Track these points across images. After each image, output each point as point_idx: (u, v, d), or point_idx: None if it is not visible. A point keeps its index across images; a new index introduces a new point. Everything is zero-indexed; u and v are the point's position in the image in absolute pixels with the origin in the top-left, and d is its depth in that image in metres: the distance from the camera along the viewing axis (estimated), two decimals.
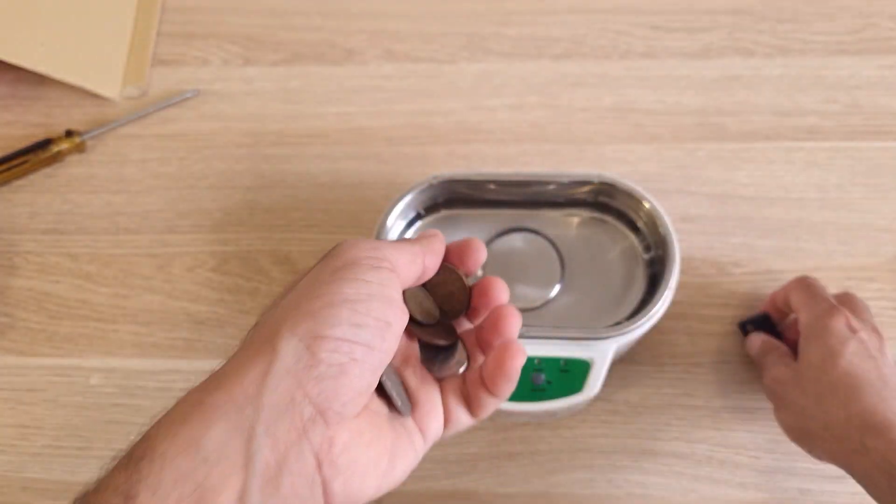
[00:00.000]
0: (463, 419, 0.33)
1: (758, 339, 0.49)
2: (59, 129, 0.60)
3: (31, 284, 0.56)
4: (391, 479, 0.30)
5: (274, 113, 0.62)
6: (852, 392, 0.41)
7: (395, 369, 0.33)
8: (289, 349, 0.27)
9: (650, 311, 0.44)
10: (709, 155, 0.58)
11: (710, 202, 0.56)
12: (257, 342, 0.28)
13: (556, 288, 0.48)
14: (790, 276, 0.49)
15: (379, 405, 0.31)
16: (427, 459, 0.49)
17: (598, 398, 0.49)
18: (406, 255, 0.31)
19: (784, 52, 0.61)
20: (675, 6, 0.64)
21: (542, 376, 0.44)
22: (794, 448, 0.49)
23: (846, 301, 0.46)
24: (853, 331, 0.43)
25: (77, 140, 0.60)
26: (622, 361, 0.51)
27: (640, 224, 0.49)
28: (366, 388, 0.28)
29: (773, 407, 0.47)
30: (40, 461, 0.51)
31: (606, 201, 0.50)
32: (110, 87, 0.62)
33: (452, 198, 0.51)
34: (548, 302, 0.48)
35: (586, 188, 0.50)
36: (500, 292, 0.34)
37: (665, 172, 0.57)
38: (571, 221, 0.51)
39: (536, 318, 0.48)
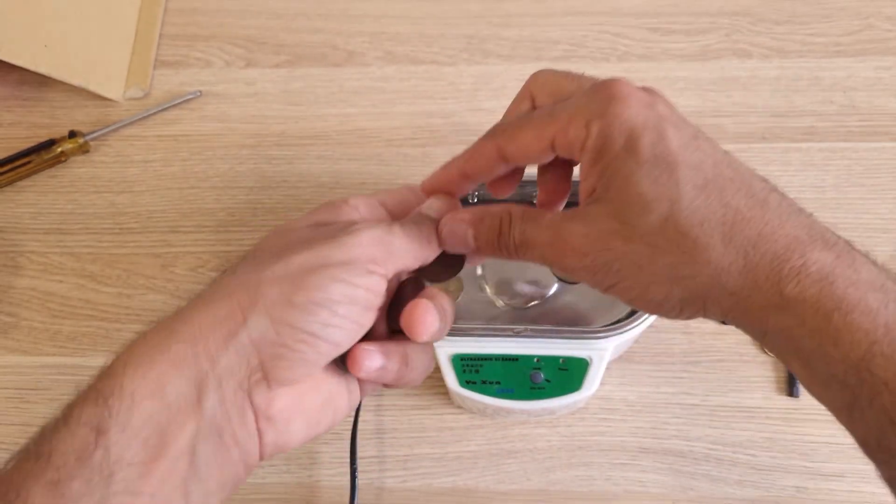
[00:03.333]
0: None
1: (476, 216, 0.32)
2: (63, 130, 0.61)
3: (34, 284, 0.57)
4: (321, 429, 0.31)
5: (276, 114, 0.62)
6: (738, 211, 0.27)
7: None
8: (258, 325, 0.28)
9: None
10: None
11: None
12: (230, 302, 0.28)
13: (555, 286, 0.48)
14: None
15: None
16: (426, 457, 0.50)
17: (596, 396, 0.50)
18: (410, 257, 0.31)
19: (781, 53, 0.62)
20: (673, 8, 0.64)
21: (541, 375, 0.44)
22: (791, 446, 0.49)
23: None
24: (650, 104, 0.28)
25: (80, 141, 0.60)
26: (620, 360, 0.51)
27: None
28: (318, 368, 0.30)
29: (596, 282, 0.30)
30: None
31: None
32: (113, 88, 0.63)
33: None
34: (546, 300, 0.48)
35: None
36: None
37: None
38: None
39: (535, 316, 0.48)
